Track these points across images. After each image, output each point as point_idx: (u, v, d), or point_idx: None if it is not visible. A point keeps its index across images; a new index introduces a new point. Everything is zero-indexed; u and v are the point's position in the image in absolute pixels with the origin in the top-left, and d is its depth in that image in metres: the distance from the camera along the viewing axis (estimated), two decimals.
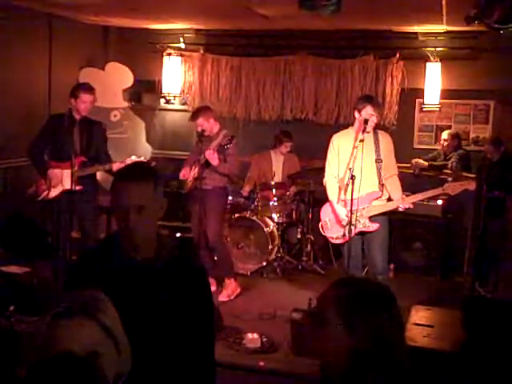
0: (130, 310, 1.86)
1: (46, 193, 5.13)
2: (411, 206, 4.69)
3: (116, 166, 5.14)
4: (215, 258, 5.83)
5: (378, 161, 4.69)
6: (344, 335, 1.45)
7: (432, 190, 4.80)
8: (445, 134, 6.77)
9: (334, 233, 4.85)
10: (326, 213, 4.93)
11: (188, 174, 5.60)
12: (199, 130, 5.54)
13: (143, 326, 1.94)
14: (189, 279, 2.10)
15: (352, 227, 4.53)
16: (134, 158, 5.24)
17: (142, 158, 5.28)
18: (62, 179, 5.07)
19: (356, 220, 4.60)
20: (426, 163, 6.77)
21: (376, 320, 1.48)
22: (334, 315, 1.47)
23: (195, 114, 5.62)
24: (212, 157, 5.34)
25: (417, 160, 6.81)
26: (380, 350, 1.45)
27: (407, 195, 4.81)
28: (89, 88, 5.24)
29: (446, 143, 6.72)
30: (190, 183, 5.60)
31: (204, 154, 5.37)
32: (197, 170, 5.48)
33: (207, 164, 5.41)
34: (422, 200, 5.41)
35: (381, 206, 4.73)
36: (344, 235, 4.68)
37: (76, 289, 2.01)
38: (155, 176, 2.06)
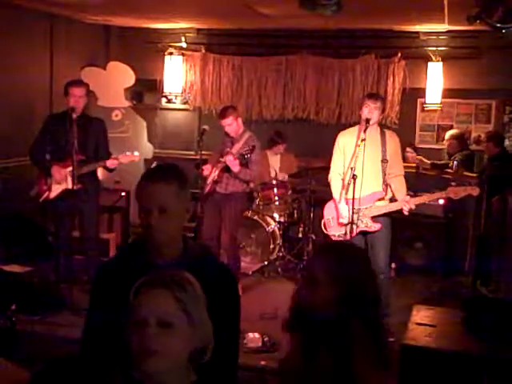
0: None
1: (47, 193, 5.13)
2: (413, 207, 4.67)
3: (110, 163, 5.11)
4: (222, 260, 5.82)
5: (384, 161, 4.67)
6: (331, 288, 1.83)
7: (435, 194, 4.83)
8: (447, 135, 6.76)
9: (336, 231, 4.84)
10: (329, 210, 4.92)
11: (210, 171, 5.53)
12: (225, 129, 5.46)
13: None
14: (218, 281, 2.02)
15: (354, 226, 4.53)
16: (128, 154, 5.22)
17: (136, 154, 5.25)
18: (65, 178, 5.07)
19: (358, 219, 4.59)
20: (429, 162, 6.76)
21: (354, 274, 1.88)
22: (324, 274, 1.84)
23: (224, 112, 5.48)
24: (233, 163, 5.26)
25: (420, 158, 6.81)
26: (357, 296, 1.83)
27: (409, 195, 4.80)
28: (77, 82, 5.22)
29: (447, 143, 6.71)
30: (210, 185, 5.56)
31: (225, 158, 5.33)
32: (217, 172, 5.45)
33: (228, 168, 5.36)
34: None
35: (384, 206, 4.72)
36: (346, 234, 4.68)
37: (102, 292, 2.05)
38: (180, 177, 2.02)
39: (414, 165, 6.75)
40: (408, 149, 6.71)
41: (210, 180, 5.54)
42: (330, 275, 1.84)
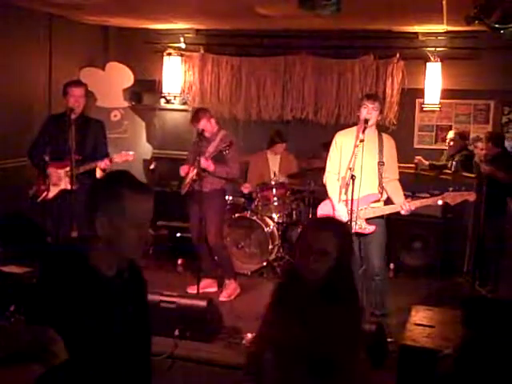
0: (100, 323, 1.90)
1: (45, 193, 5.13)
2: (413, 209, 4.67)
3: (104, 164, 5.07)
4: (216, 259, 5.83)
5: (380, 163, 4.67)
6: (335, 258, 2.30)
7: (431, 198, 4.85)
8: (451, 134, 6.76)
9: None
10: (323, 210, 4.91)
11: (187, 170, 5.58)
12: (200, 130, 5.52)
13: (110, 337, 1.96)
14: (140, 287, 2.16)
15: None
16: (123, 153, 5.20)
17: (131, 153, 5.22)
18: (62, 178, 5.07)
19: (353, 221, 4.58)
20: (427, 162, 6.77)
21: (349, 244, 2.50)
22: (333, 247, 2.29)
23: (196, 117, 5.55)
24: (207, 164, 5.35)
25: (419, 158, 6.81)
26: (347, 262, 2.40)
27: (407, 195, 4.81)
28: (76, 82, 5.23)
29: (452, 143, 6.70)
30: (188, 184, 5.59)
31: (199, 161, 5.35)
32: (195, 171, 5.48)
33: (204, 169, 5.42)
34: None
35: (380, 208, 4.70)
36: None
37: (42, 310, 1.90)
38: None
39: (413, 165, 6.76)
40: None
41: (188, 179, 5.56)
42: (337, 247, 2.28)
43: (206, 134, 5.53)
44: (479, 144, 6.25)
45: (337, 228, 2.44)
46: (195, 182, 5.49)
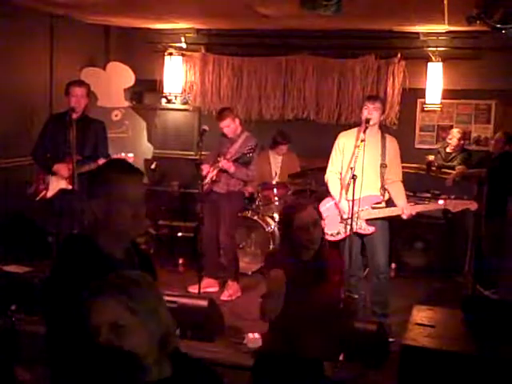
0: None
1: (43, 192, 5.13)
2: (414, 213, 4.68)
3: (102, 163, 5.07)
4: (222, 260, 5.83)
5: (383, 165, 4.67)
6: (320, 225, 3.09)
7: (433, 204, 4.91)
8: (456, 133, 6.72)
9: (329, 229, 4.80)
10: (324, 208, 4.92)
11: (207, 169, 5.57)
12: (223, 131, 5.54)
13: None
14: (149, 265, 2.28)
15: (348, 227, 4.53)
16: (122, 155, 5.21)
17: (130, 155, 5.23)
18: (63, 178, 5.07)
19: (353, 221, 4.58)
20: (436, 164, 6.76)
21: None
22: (318, 217, 3.05)
23: (221, 115, 5.56)
24: (227, 166, 5.38)
25: (433, 158, 6.78)
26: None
27: (409, 195, 4.81)
28: (78, 82, 5.25)
29: (460, 142, 6.68)
30: (208, 185, 5.58)
31: (221, 162, 5.40)
32: (215, 172, 5.48)
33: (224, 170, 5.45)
34: (424, 200, 5.43)
35: (381, 210, 4.70)
36: (338, 233, 4.70)
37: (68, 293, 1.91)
38: None
39: (415, 165, 6.74)
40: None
41: (208, 179, 5.56)
42: (318, 217, 2.99)
43: (229, 135, 5.54)
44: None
45: (313, 207, 3.15)
46: (215, 182, 5.51)
